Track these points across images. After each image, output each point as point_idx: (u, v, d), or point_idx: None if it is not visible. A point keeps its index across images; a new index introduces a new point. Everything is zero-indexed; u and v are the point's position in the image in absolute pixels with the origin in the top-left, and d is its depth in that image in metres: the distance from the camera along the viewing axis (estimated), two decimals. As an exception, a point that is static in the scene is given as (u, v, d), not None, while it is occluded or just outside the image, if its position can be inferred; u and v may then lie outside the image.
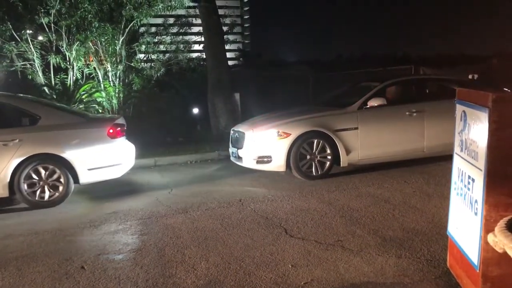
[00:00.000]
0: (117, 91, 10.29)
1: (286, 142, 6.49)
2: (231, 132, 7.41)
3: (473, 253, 2.72)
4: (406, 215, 4.65)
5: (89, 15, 9.66)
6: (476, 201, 2.71)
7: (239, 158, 6.95)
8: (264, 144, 6.62)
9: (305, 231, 4.30)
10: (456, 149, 3.16)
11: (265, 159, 6.59)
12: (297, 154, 6.50)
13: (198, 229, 4.53)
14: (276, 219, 4.71)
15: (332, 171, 6.68)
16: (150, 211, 5.28)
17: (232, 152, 7.22)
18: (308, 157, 6.56)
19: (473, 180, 2.77)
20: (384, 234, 4.09)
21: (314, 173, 6.56)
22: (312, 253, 3.72)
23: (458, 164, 3.09)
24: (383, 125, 6.87)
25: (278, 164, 6.53)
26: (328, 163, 6.61)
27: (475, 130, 2.73)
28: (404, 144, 6.88)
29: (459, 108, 3.10)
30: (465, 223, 2.88)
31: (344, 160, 6.62)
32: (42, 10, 9.57)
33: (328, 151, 6.60)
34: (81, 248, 4.13)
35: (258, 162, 6.65)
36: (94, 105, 10.27)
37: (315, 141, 6.58)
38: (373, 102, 6.86)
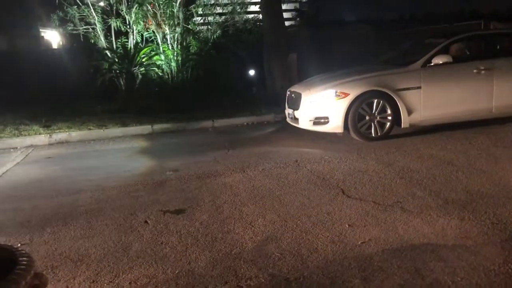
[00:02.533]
0: (175, 54, 10.44)
1: (344, 103, 6.32)
2: (287, 93, 7.31)
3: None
4: (471, 177, 4.45)
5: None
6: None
7: (295, 119, 6.87)
8: (321, 105, 6.48)
9: (362, 192, 4.24)
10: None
11: (322, 120, 6.46)
12: (356, 114, 6.32)
13: (255, 188, 4.59)
14: (333, 180, 4.68)
15: (393, 132, 6.47)
16: (209, 170, 5.40)
17: (289, 113, 7.14)
18: (367, 117, 6.36)
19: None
20: (446, 196, 3.95)
21: (373, 134, 6.39)
22: (369, 214, 3.67)
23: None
24: (448, 84, 6.50)
25: (335, 125, 6.38)
26: (388, 124, 6.39)
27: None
28: (470, 104, 6.51)
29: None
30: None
31: (405, 121, 6.35)
32: (102, -26, 9.78)
33: (389, 112, 6.36)
34: (144, 204, 4.32)
35: (315, 123, 6.54)
36: (154, 68, 10.50)
37: (375, 101, 6.34)
38: (437, 60, 6.47)
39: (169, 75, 10.49)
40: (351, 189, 4.33)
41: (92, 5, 10.21)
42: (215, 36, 10.91)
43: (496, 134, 6.13)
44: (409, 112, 6.37)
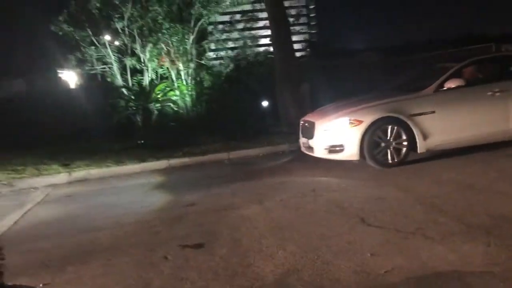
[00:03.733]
0: (189, 89, 10.64)
1: (359, 130, 6.31)
2: (301, 122, 7.34)
3: None
4: (492, 200, 4.37)
5: (159, 17, 10.06)
6: None
7: (310, 148, 6.87)
8: (336, 133, 6.49)
9: (382, 219, 4.18)
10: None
11: (337, 148, 6.45)
12: (371, 141, 6.29)
13: (273, 219, 4.56)
14: (352, 208, 4.63)
15: (409, 158, 6.42)
16: (226, 203, 5.40)
17: (303, 143, 7.14)
18: (382, 144, 6.33)
19: None
20: (469, 221, 3.87)
21: (390, 161, 6.35)
22: (391, 242, 3.61)
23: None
24: (462, 108, 6.47)
25: (351, 152, 6.36)
26: (404, 149, 6.35)
27: None
28: (486, 127, 6.45)
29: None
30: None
31: (421, 146, 6.31)
32: (117, 16, 10.11)
33: (404, 137, 6.32)
34: (163, 239, 4.32)
35: (330, 151, 6.53)
36: (169, 104, 10.70)
37: (389, 127, 6.32)
38: (450, 84, 6.46)
39: (184, 110, 10.66)
40: (371, 217, 4.28)
41: (109, 45, 10.53)
42: (227, 70, 11.12)
43: None
44: (425, 137, 6.32)
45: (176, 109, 10.66)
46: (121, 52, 10.79)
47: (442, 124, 6.37)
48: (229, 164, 8.23)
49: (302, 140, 7.17)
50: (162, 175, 7.78)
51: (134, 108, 10.46)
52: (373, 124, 6.30)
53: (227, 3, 10.58)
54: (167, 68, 10.77)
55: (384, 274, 3.05)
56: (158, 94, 10.65)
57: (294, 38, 12.36)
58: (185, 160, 8.48)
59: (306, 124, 7.08)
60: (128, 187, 7.18)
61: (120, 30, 10.39)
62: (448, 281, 2.85)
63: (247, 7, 12.57)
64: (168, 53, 10.60)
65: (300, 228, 4.21)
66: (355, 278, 3.05)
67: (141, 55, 10.48)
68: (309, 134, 6.88)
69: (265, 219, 4.60)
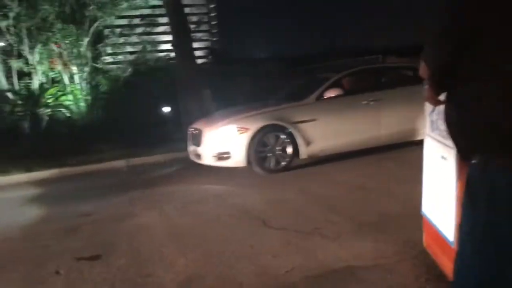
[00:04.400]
0: (84, 94, 10.08)
1: (245, 137, 6.43)
2: (189, 130, 7.27)
3: (448, 231, 2.77)
4: (381, 200, 4.71)
5: (50, 16, 9.43)
6: (448, 179, 2.75)
7: (198, 155, 6.84)
8: (223, 140, 6.53)
9: (282, 221, 4.29)
10: (427, 130, 3.20)
11: (225, 155, 6.50)
12: (257, 148, 6.45)
13: (174, 227, 4.47)
14: (254, 212, 4.69)
15: (296, 163, 6.69)
16: (124, 212, 5.18)
17: (192, 151, 7.08)
18: (268, 151, 6.53)
19: (444, 158, 2.82)
20: (360, 220, 4.12)
21: (275, 167, 6.55)
22: (291, 243, 3.71)
23: (430, 144, 3.14)
24: (341, 115, 6.90)
25: (238, 159, 6.47)
26: (288, 155, 6.60)
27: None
28: (362, 133, 6.96)
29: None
30: (439, 201, 2.93)
31: (303, 152, 6.63)
32: (0, 13, 9.28)
33: (288, 144, 6.58)
34: (55, 253, 4.01)
35: (218, 158, 6.55)
36: (61, 109, 10.03)
37: (274, 134, 6.54)
38: (330, 93, 6.90)
39: (79, 116, 10.07)
40: (272, 220, 4.38)
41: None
42: (126, 75, 10.73)
43: (400, 158, 6.57)
44: (307, 143, 6.63)
45: (69, 115, 10.02)
46: (7, 53, 9.90)
47: (323, 131, 6.73)
48: (128, 172, 7.93)
49: (191, 147, 7.11)
50: (53, 185, 7.26)
51: (21, 113, 9.64)
52: (259, 131, 6.47)
53: (124, 6, 10.22)
54: (59, 71, 10.09)
55: (284, 274, 3.13)
56: (49, 99, 9.94)
57: (196, 45, 12.31)
58: (79, 168, 8.00)
59: (194, 132, 7.04)
60: (12, 198, 6.57)
61: (4, 29, 9.53)
62: (342, 276, 3.01)
63: (147, 11, 12.27)
64: (60, 55, 9.95)
65: (201, 234, 4.17)
66: (257, 280, 3.08)
67: (29, 57, 9.70)
68: (197, 142, 6.84)
69: (165, 227, 4.49)
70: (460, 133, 1.54)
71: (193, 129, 7.13)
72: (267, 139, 6.51)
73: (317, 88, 7.00)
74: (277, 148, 6.55)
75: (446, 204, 2.79)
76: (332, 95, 6.87)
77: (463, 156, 1.62)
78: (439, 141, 2.92)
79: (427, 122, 3.24)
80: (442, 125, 2.82)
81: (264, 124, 6.49)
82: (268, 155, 6.52)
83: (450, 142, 2.75)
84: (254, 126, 6.46)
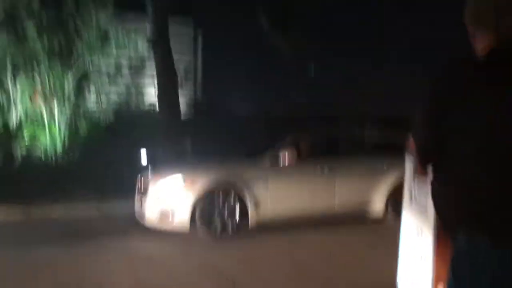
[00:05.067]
0: (62, 135, 9.88)
1: (192, 194, 5.99)
2: (138, 179, 6.74)
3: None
4: (349, 271, 4.59)
5: (38, 51, 9.40)
6: (425, 252, 2.71)
7: (142, 209, 6.29)
8: (167, 196, 6.08)
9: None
10: (405, 203, 3.20)
11: (168, 213, 5.99)
12: (203, 207, 6.01)
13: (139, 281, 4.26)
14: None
15: (247, 228, 6.23)
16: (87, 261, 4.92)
17: (136, 204, 6.56)
18: (216, 211, 6.06)
19: (422, 231, 2.79)
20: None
21: (221, 232, 6.08)
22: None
23: (407, 217, 3.12)
24: (294, 181, 6.65)
25: (182, 219, 5.95)
26: (237, 219, 6.17)
27: (424, 183, 2.78)
28: (315, 202, 6.65)
29: (409, 160, 3.17)
30: (415, 274, 2.87)
31: (252, 216, 6.21)
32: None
33: (237, 204, 6.16)
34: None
35: (160, 217, 6.02)
36: (36, 147, 9.78)
37: (223, 193, 6.14)
38: (284, 156, 6.54)
39: (53, 157, 9.78)
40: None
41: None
42: (107, 118, 10.62)
43: (367, 231, 6.30)
44: (257, 205, 6.26)
45: (44, 155, 9.74)
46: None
47: (274, 194, 6.38)
48: (97, 219, 7.61)
49: (136, 198, 6.58)
50: (15, 228, 6.87)
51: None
52: (206, 188, 6.06)
53: (113, 46, 10.31)
54: (40, 107, 9.93)
55: None
56: (26, 137, 9.69)
57: (179, 95, 12.34)
58: (50, 211, 7.70)
59: (142, 183, 6.55)
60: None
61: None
62: None
63: (135, 54, 12.34)
64: (43, 92, 9.84)
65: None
66: None
67: (11, 90, 9.54)
68: (143, 194, 6.33)
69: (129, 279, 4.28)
70: (445, 205, 1.55)
71: (140, 179, 6.63)
72: (215, 197, 6.06)
73: (272, 149, 6.71)
74: (226, 209, 6.09)
75: (423, 277, 2.74)
76: (287, 158, 6.52)
77: (448, 229, 1.61)
78: (416, 215, 2.91)
79: (405, 194, 3.24)
80: (421, 199, 2.83)
81: (213, 181, 6.10)
82: (215, 216, 6.02)
83: (428, 216, 2.75)
84: (202, 182, 6.04)
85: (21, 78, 9.52)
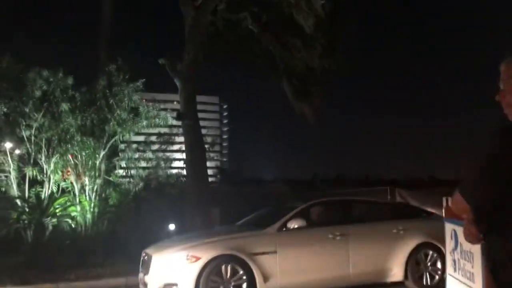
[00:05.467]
0: (92, 206, 10.03)
1: (195, 268, 5.74)
2: (142, 254, 6.60)
3: None
4: None
5: (71, 129, 9.78)
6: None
7: (145, 285, 6.12)
8: (171, 270, 5.88)
9: None
10: (449, 269, 3.06)
11: None
12: (208, 281, 5.77)
13: None
14: None
15: None
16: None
17: (140, 279, 6.34)
18: (220, 286, 5.82)
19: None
20: None
21: None
22: None
23: (452, 285, 2.96)
24: (304, 249, 6.34)
25: None
26: None
27: (468, 249, 2.66)
28: (328, 270, 6.35)
29: (449, 227, 3.06)
30: None
31: None
32: (25, 123, 9.67)
33: (244, 278, 5.89)
34: None
35: None
36: (67, 220, 9.92)
37: (229, 266, 5.88)
38: (293, 224, 6.32)
39: (83, 227, 9.90)
40: None
41: (10, 152, 9.87)
42: (136, 189, 10.77)
43: None
44: (265, 279, 5.98)
45: (74, 226, 9.87)
46: (23, 160, 10.11)
47: (284, 266, 6.08)
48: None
49: (140, 274, 6.36)
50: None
51: (27, 221, 9.52)
52: (210, 261, 5.83)
53: (143, 124, 10.65)
54: (71, 182, 10.19)
55: None
56: (57, 208, 9.89)
57: (207, 164, 12.55)
58: (77, 284, 7.63)
59: (145, 257, 6.38)
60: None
61: (25, 139, 9.85)
62: None
63: (164, 129, 12.75)
64: (75, 167, 10.12)
65: None
66: None
67: (45, 166, 9.88)
68: (146, 269, 6.14)
69: None
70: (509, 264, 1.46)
71: (145, 254, 6.45)
72: (220, 271, 5.81)
73: (280, 217, 6.48)
74: (232, 282, 5.83)
75: None
76: (295, 226, 6.29)
77: None
78: (462, 282, 2.75)
79: (447, 261, 3.10)
80: (466, 265, 2.69)
81: (218, 253, 5.86)
82: None
83: (476, 285, 2.60)
84: (206, 255, 5.80)
85: (56, 156, 9.84)
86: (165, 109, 11.47)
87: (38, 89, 9.75)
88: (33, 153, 10.01)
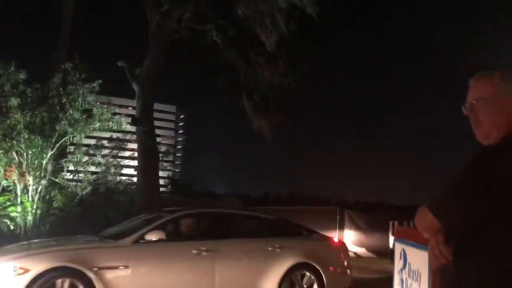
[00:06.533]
0: (34, 207, 9.57)
1: (22, 281, 4.87)
2: None
3: None
4: None
5: (19, 125, 9.35)
6: None
7: None
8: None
9: None
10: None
11: None
12: None
13: None
14: None
15: None
16: None
17: None
18: None
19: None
20: None
21: None
22: None
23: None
24: (162, 265, 5.65)
25: None
26: None
27: (416, 268, 2.72)
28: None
29: (398, 247, 3.12)
30: None
31: None
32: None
33: None
34: None
35: None
36: (6, 220, 9.39)
37: (67, 280, 5.10)
38: (152, 236, 5.64)
39: (22, 229, 9.41)
40: None
41: None
42: (84, 193, 10.38)
43: None
44: None
45: (13, 227, 9.35)
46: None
47: (136, 283, 5.45)
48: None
49: None
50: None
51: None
52: (43, 274, 4.99)
53: (96, 126, 10.34)
54: (13, 180, 9.69)
55: None
56: (-5, 206, 9.38)
57: (160, 173, 12.33)
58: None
59: None
60: None
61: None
62: None
63: (116, 133, 12.43)
64: (19, 165, 9.64)
65: None
66: None
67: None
68: None
69: None
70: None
71: None
72: (54, 286, 5.01)
73: (139, 228, 5.84)
74: None
75: None
76: (153, 238, 5.61)
77: None
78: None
79: (395, 280, 3.16)
80: (413, 285, 2.74)
81: (52, 265, 5.04)
82: None
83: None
84: (38, 267, 4.97)
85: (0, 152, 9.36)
86: (119, 114, 11.18)
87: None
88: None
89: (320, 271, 6.25)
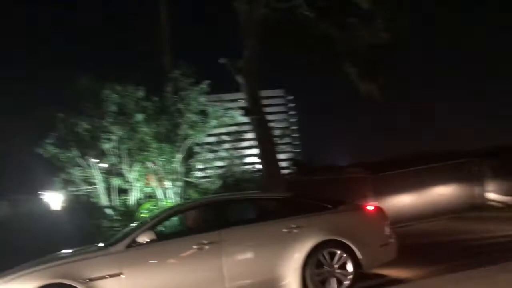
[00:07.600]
0: (175, 206, 10.49)
1: None
2: None
3: None
4: None
5: (147, 137, 10.28)
6: None
7: None
8: None
9: None
10: None
11: None
12: None
13: None
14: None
15: None
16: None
17: None
18: None
19: None
20: None
21: None
22: None
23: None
24: (159, 268, 5.26)
25: None
26: None
27: None
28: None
29: None
30: None
31: None
32: (105, 137, 10.31)
33: None
34: None
35: None
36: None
37: None
38: (143, 238, 5.27)
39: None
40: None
41: (95, 165, 10.57)
42: (215, 187, 11.11)
43: None
44: None
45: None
46: (108, 172, 10.80)
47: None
48: None
49: None
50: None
51: (118, 228, 10.17)
52: None
53: (213, 124, 10.94)
54: (154, 187, 10.74)
55: None
56: (144, 213, 10.48)
57: (280, 156, 12.64)
58: None
59: None
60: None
61: (107, 151, 10.51)
62: None
63: (233, 127, 13.02)
64: (155, 172, 10.64)
65: None
66: None
67: (128, 175, 10.49)
68: None
69: None
70: None
71: None
72: None
73: (133, 231, 5.47)
74: None
75: None
76: (146, 240, 5.23)
77: None
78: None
79: None
80: None
81: (41, 284, 4.82)
82: None
83: None
84: (32, 284, 4.82)
85: (137, 164, 10.40)
86: (232, 108, 11.70)
87: (114, 104, 10.35)
88: (116, 165, 10.64)
89: (352, 246, 5.56)
